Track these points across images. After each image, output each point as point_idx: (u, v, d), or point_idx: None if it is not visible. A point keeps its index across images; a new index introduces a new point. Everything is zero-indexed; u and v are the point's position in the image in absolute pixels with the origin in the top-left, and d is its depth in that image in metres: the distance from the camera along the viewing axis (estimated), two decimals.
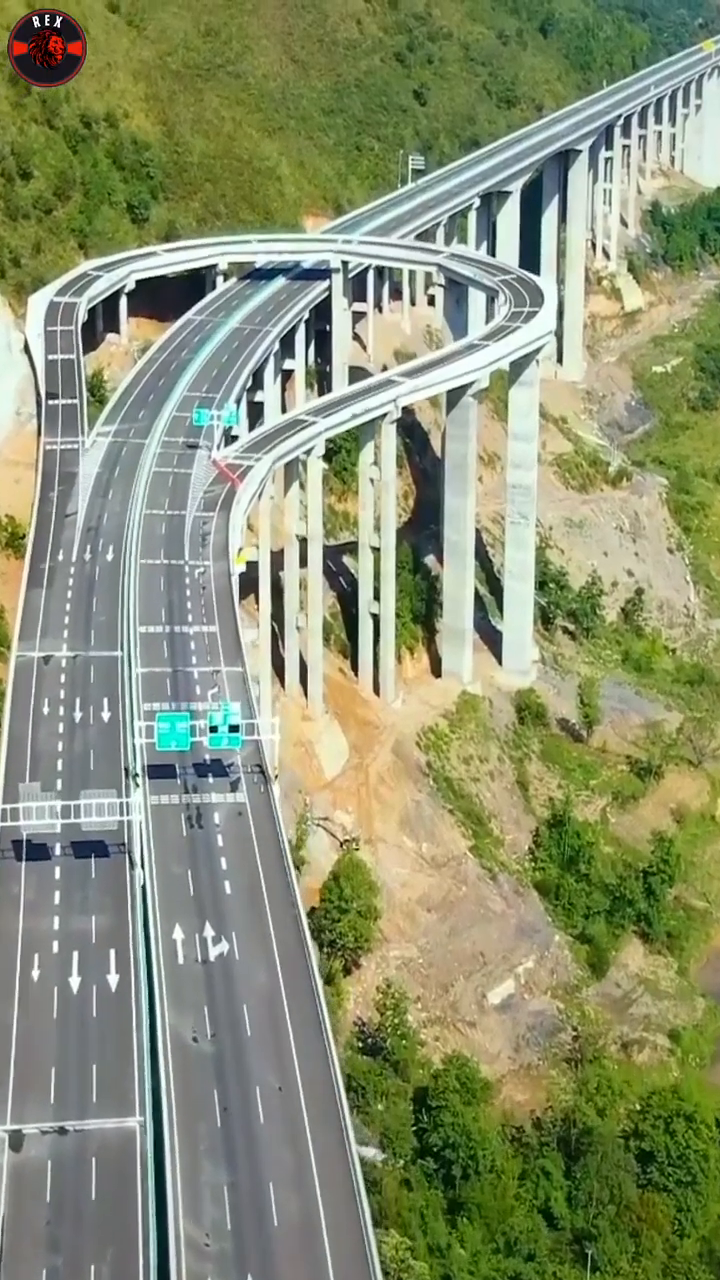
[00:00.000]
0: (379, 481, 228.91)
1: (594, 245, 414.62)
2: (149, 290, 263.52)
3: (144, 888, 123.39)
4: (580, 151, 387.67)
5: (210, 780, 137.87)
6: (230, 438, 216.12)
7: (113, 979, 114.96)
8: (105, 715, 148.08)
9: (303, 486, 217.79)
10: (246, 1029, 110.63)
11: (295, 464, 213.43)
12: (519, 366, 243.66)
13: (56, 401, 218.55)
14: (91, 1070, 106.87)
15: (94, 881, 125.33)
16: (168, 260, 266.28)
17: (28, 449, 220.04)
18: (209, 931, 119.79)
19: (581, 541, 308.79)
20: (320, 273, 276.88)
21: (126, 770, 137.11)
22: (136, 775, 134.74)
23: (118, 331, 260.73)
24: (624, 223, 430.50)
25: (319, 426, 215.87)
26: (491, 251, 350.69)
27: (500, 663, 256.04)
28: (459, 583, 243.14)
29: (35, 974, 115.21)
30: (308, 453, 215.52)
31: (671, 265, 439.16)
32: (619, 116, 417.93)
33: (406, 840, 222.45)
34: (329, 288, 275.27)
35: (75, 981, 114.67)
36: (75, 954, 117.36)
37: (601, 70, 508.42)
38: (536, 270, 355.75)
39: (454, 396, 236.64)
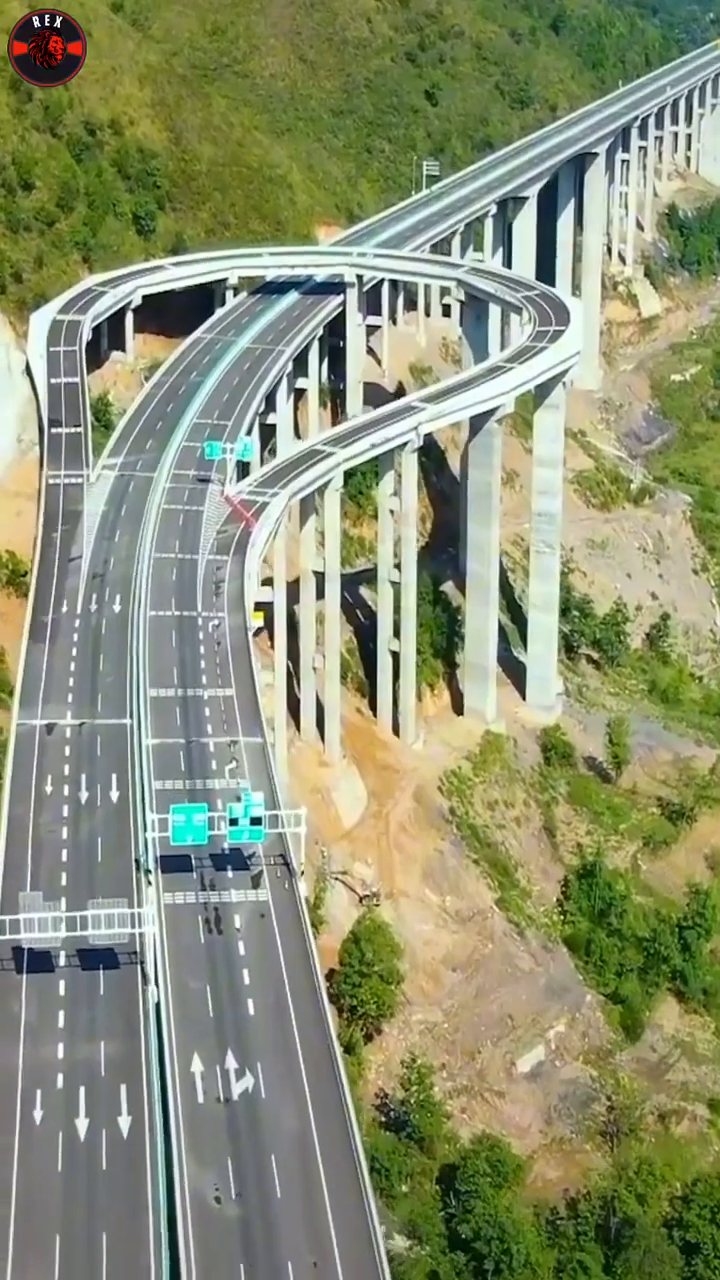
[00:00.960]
0: (399, 513, 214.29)
1: (610, 250, 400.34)
2: (155, 305, 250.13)
3: (158, 1007, 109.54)
4: (597, 154, 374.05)
5: (230, 874, 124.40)
6: (242, 466, 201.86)
7: (124, 1121, 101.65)
8: (114, 795, 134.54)
9: (319, 518, 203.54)
10: (276, 1188, 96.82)
11: (311, 496, 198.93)
12: (545, 389, 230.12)
13: (59, 430, 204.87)
14: (101, 1239, 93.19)
15: (102, 999, 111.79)
16: (176, 275, 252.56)
17: (29, 479, 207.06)
18: (231, 1062, 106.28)
19: (604, 563, 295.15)
20: (334, 286, 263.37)
21: (137, 863, 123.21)
22: (149, 871, 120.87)
23: (123, 349, 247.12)
24: (640, 227, 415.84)
25: (337, 458, 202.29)
26: (508, 258, 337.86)
27: (524, 697, 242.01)
28: (482, 617, 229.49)
29: (38, 1115, 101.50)
30: (324, 485, 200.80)
31: (689, 270, 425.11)
32: (636, 118, 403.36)
33: (429, 894, 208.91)
34: (343, 302, 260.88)
35: (83, 1125, 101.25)
36: (82, 1090, 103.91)
37: (614, 68, 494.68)
38: (552, 277, 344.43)
39: (477, 422, 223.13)
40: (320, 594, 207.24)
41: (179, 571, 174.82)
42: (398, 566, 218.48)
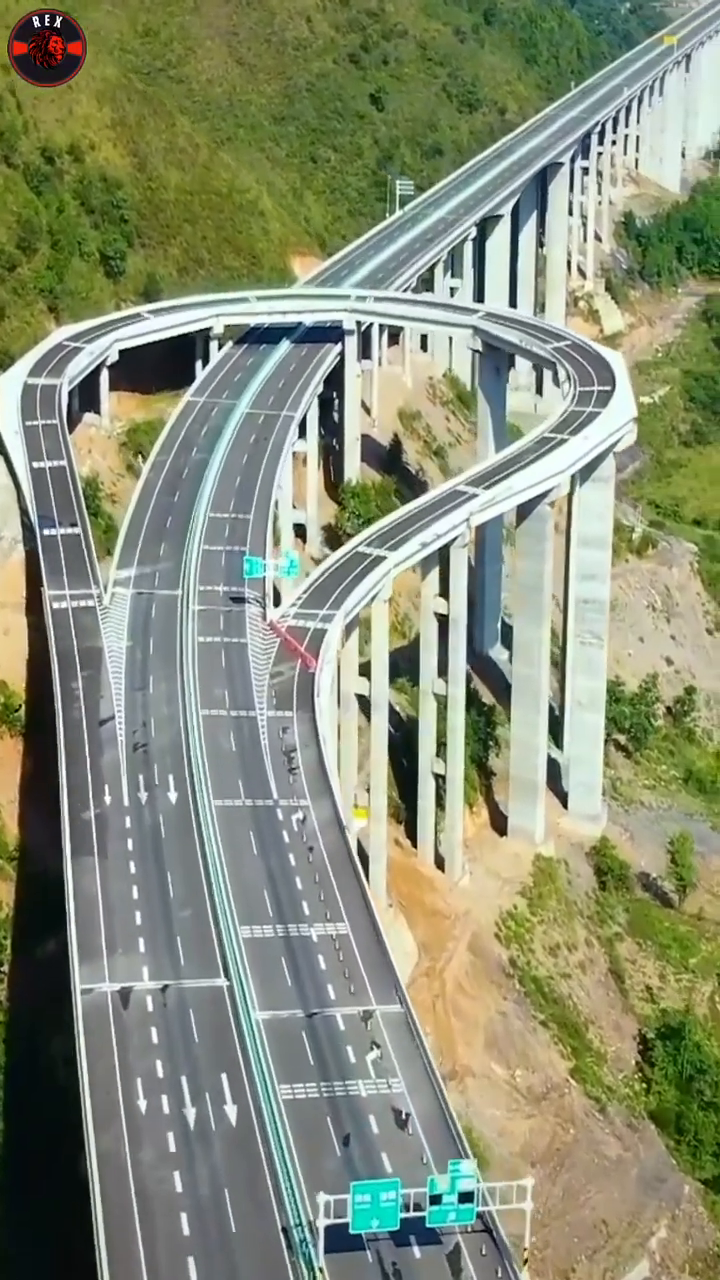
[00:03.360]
0: (448, 617, 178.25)
1: (569, 263, 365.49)
2: (129, 359, 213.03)
3: None
4: (561, 164, 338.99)
5: (417, 1255, 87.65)
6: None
7: None
8: (231, 1113, 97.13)
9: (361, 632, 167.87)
10: None
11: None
12: (593, 461, 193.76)
13: (53, 531, 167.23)
14: None
15: None
16: (156, 325, 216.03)
17: (14, 587, 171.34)
18: None
19: (615, 627, 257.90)
20: (327, 331, 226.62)
21: (292, 1246, 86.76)
22: (319, 1269, 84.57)
23: (97, 411, 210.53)
24: (598, 238, 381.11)
25: (387, 564, 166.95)
26: (480, 281, 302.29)
27: (565, 805, 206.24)
28: (530, 727, 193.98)
29: None
30: (373, 598, 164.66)
31: (649, 282, 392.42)
32: (598, 124, 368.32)
33: (496, 1068, 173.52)
34: (341, 352, 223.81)
35: None
36: None
37: (549, 64, 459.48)
38: (515, 294, 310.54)
39: (527, 506, 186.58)
40: (365, 718, 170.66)
41: (237, 736, 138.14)
42: (442, 676, 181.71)
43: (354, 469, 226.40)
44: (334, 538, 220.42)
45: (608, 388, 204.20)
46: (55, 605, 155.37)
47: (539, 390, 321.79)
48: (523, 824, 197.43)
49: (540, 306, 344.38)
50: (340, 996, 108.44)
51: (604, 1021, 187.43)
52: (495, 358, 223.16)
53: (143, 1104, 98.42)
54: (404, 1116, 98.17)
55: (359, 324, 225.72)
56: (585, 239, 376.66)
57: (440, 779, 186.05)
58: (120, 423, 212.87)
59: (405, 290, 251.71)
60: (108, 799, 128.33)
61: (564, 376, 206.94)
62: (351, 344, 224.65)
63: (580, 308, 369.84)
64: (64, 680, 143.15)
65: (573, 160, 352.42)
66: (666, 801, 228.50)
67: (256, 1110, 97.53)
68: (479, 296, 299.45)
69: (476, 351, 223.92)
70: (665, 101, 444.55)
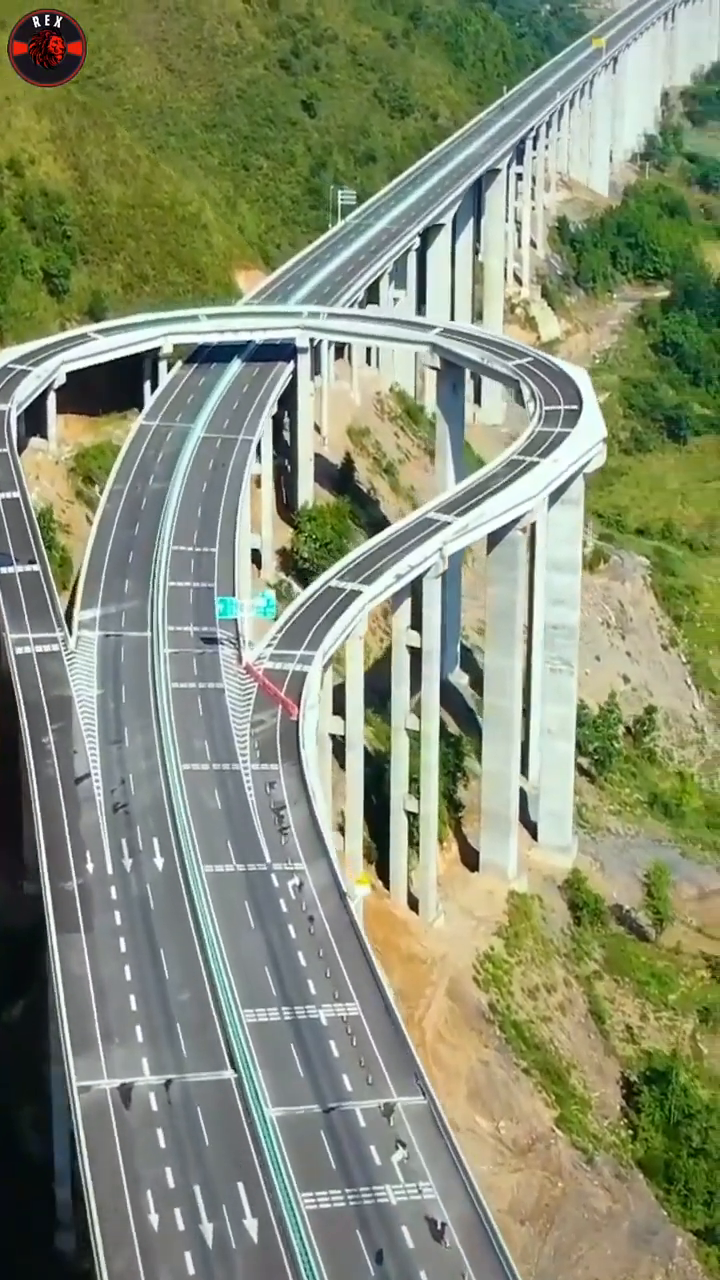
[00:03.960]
0: (422, 650, 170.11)
1: (505, 270, 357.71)
2: (74, 380, 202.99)
3: None
4: (499, 171, 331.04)
5: None
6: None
7: None
8: (250, 1224, 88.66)
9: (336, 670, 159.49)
10: None
11: None
12: (564, 483, 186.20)
13: (10, 569, 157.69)
14: None
15: None
16: (104, 345, 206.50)
17: None
18: None
19: None
20: (278, 349, 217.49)
21: None
22: None
23: (44, 435, 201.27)
24: (533, 244, 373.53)
25: (363, 599, 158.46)
26: (422, 292, 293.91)
27: (534, 837, 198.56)
28: (503, 758, 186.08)
29: None
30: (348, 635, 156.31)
31: (585, 288, 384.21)
32: (533, 129, 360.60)
33: (480, 1120, 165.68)
34: (294, 371, 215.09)
35: None
36: None
37: (475, 68, 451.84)
38: (452, 304, 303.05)
39: (498, 532, 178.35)
40: (339, 762, 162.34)
41: (222, 793, 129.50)
42: (414, 712, 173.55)
43: (307, 491, 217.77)
44: (289, 563, 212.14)
45: (574, 406, 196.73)
46: (18, 650, 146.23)
47: (478, 400, 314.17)
48: (495, 859, 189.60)
49: (478, 315, 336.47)
50: (358, 1088, 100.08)
51: (586, 1065, 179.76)
52: (453, 375, 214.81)
53: (155, 1220, 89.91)
54: (439, 1226, 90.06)
55: (312, 341, 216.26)
56: (520, 245, 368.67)
57: (413, 817, 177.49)
58: (68, 447, 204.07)
59: (353, 304, 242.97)
60: (90, 867, 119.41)
61: (528, 395, 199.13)
62: (305, 362, 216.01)
63: (517, 315, 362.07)
64: (34, 734, 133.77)
65: (508, 166, 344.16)
66: (634, 827, 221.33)
67: (279, 1224, 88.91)
68: (421, 307, 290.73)
69: (434, 369, 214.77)
70: (594, 105, 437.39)
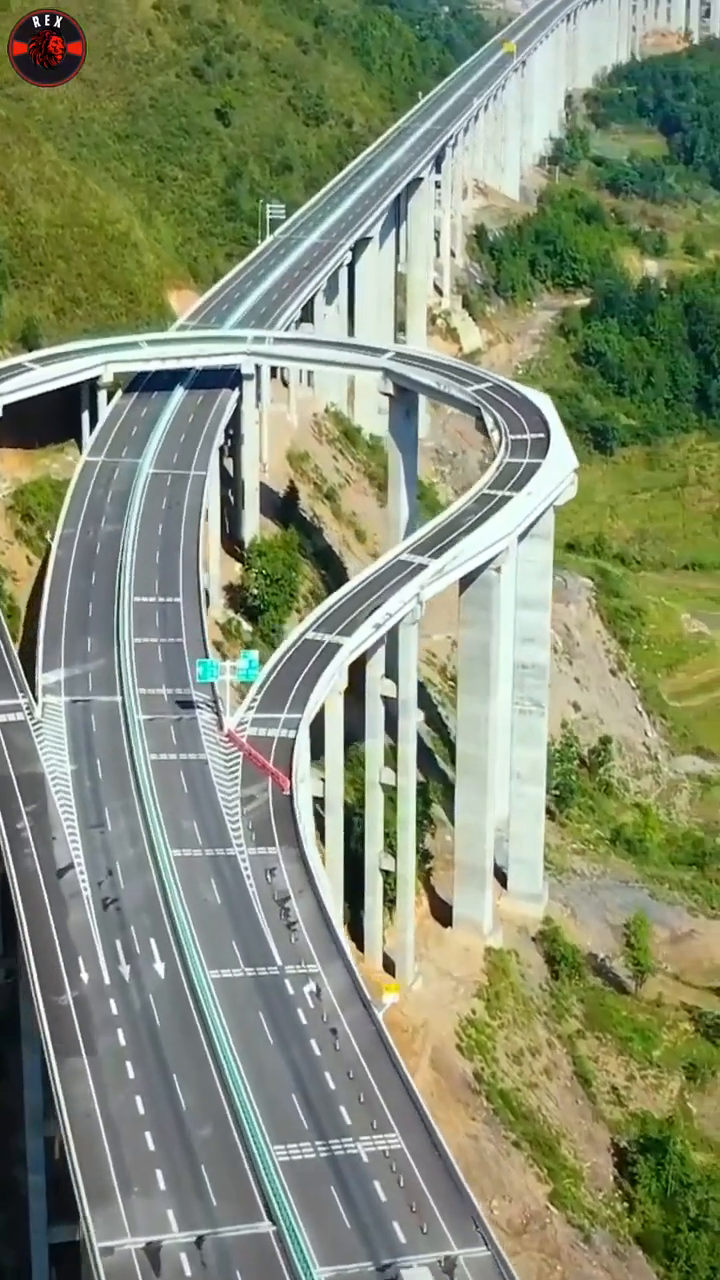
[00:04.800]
0: (397, 700, 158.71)
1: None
2: (9, 413, 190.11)
3: None
4: (423, 179, 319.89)
5: None
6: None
7: None
8: None
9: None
10: None
11: None
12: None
13: None
14: None
15: None
16: (43, 376, 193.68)
17: None
18: None
19: None
20: (221, 375, 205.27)
21: None
22: None
23: None
24: (452, 253, 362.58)
25: (342, 653, 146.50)
26: (351, 306, 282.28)
27: (504, 884, 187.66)
28: (477, 809, 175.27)
29: None
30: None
31: (504, 297, 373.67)
32: (452, 136, 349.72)
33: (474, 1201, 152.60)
34: (239, 399, 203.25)
35: None
36: None
37: (382, 72, 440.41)
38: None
39: (472, 572, 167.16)
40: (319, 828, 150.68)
41: (219, 883, 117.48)
42: (389, 765, 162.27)
43: (254, 524, 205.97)
44: (237, 599, 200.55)
45: (540, 434, 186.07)
46: None
47: None
48: (470, 914, 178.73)
49: (400, 327, 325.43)
50: (412, 1239, 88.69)
51: (576, 1133, 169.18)
52: (406, 401, 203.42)
53: None
54: None
55: (258, 367, 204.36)
56: (439, 255, 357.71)
57: (388, 875, 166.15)
58: (4, 483, 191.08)
59: (290, 324, 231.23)
60: (84, 976, 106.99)
61: (491, 424, 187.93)
62: (251, 390, 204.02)
63: (438, 326, 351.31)
64: (7, 819, 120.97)
65: (429, 174, 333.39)
66: (599, 867, 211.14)
67: None
68: (351, 323, 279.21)
69: (387, 395, 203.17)
70: (505, 109, 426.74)
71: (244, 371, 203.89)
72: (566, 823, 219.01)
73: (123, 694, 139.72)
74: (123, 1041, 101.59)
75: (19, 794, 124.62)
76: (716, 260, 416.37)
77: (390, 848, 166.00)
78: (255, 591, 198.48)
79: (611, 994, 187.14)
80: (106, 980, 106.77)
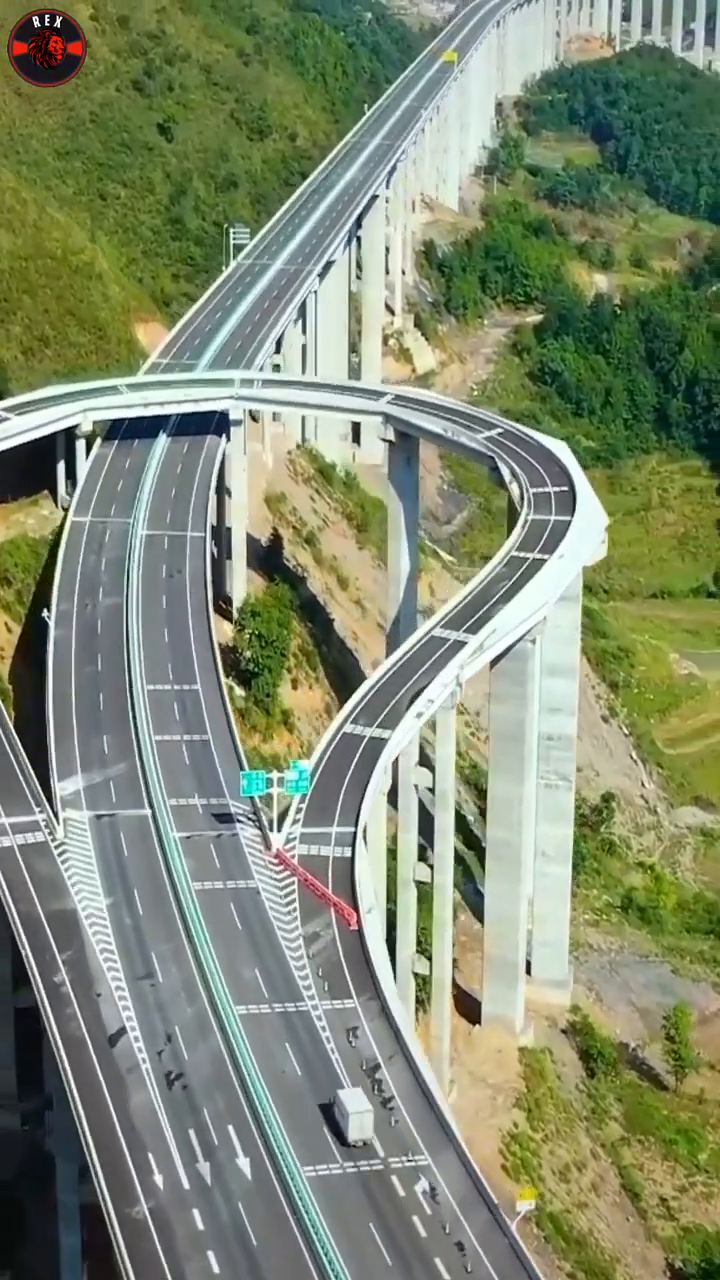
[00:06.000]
0: (432, 792, 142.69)
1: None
2: None
3: None
4: (378, 196, 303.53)
5: None
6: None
7: None
8: None
9: None
10: None
11: None
12: None
13: None
14: None
15: None
16: (19, 426, 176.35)
17: None
18: None
19: None
20: (201, 418, 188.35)
21: None
22: None
23: None
24: (403, 271, 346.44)
25: (389, 750, 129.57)
26: (315, 333, 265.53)
27: (528, 971, 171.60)
28: (510, 898, 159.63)
29: None
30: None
31: (455, 315, 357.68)
32: (403, 151, 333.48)
33: None
34: (228, 447, 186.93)
35: None
36: None
37: (316, 81, 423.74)
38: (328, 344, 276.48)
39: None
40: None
41: (296, 1049, 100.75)
42: (424, 861, 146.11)
43: (243, 582, 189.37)
44: (230, 663, 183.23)
45: (563, 487, 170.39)
46: None
47: (356, 439, 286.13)
48: (502, 1012, 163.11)
49: (353, 349, 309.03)
50: None
51: (630, 1256, 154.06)
52: (407, 448, 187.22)
53: None
54: None
55: (248, 413, 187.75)
56: (388, 272, 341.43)
57: (422, 980, 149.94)
58: None
59: (267, 363, 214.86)
60: (158, 1179, 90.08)
61: (509, 475, 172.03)
62: (239, 436, 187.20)
63: (390, 346, 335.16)
64: (44, 973, 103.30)
65: (382, 190, 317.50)
66: (615, 941, 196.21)
67: None
68: (315, 350, 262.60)
69: (388, 441, 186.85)
70: (446, 120, 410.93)
71: (233, 417, 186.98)
72: (576, 890, 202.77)
73: (152, 806, 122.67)
74: (216, 1269, 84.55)
75: (52, 938, 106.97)
76: (664, 273, 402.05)
77: (423, 950, 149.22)
78: (249, 655, 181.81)
79: (650, 1091, 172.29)
80: (185, 1184, 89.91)
